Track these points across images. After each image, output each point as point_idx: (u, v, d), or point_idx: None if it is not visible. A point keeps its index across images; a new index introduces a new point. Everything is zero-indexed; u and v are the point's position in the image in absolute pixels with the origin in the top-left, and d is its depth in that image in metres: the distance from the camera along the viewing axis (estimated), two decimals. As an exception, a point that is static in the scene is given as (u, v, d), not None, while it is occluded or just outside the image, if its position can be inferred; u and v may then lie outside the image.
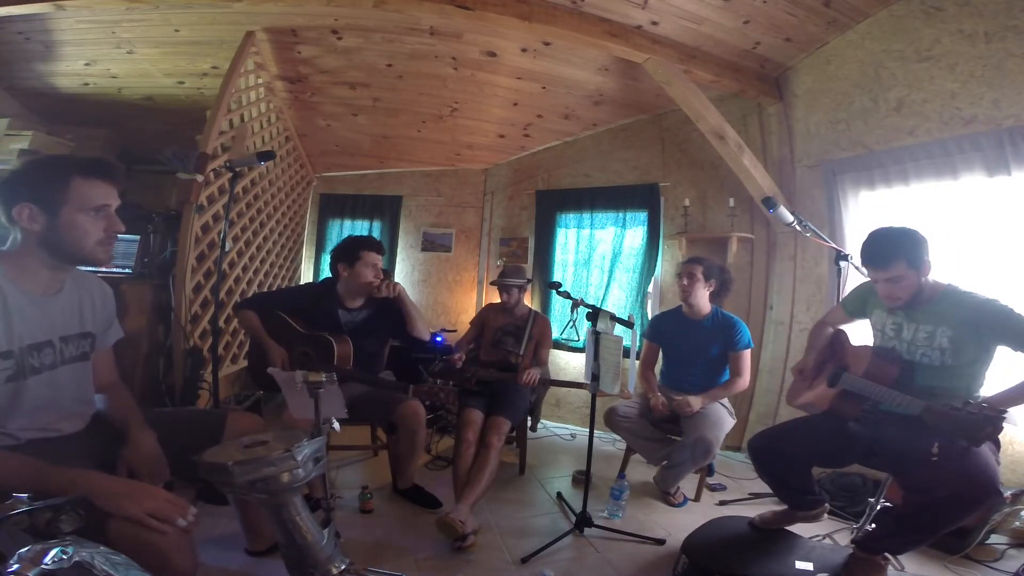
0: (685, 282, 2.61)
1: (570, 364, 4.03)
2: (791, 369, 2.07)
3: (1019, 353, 1.55)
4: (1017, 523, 2.05)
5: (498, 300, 3.05)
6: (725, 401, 2.58)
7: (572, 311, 3.75)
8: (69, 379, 1.29)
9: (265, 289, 3.73)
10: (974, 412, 1.35)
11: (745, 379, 2.57)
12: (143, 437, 1.34)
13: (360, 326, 2.40)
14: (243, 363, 3.29)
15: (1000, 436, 1.70)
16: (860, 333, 2.01)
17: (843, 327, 2.02)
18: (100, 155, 1.28)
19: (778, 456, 1.90)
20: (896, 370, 1.71)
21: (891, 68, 2.71)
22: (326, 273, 4.74)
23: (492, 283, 3.05)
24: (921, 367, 1.71)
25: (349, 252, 2.35)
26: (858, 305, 1.97)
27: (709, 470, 2.66)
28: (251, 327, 2.32)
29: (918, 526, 1.54)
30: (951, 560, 1.96)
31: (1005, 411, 1.36)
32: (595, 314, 2.11)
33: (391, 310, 2.38)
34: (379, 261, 2.36)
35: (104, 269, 2.77)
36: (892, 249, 1.65)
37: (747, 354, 2.57)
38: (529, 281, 3.16)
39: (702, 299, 2.62)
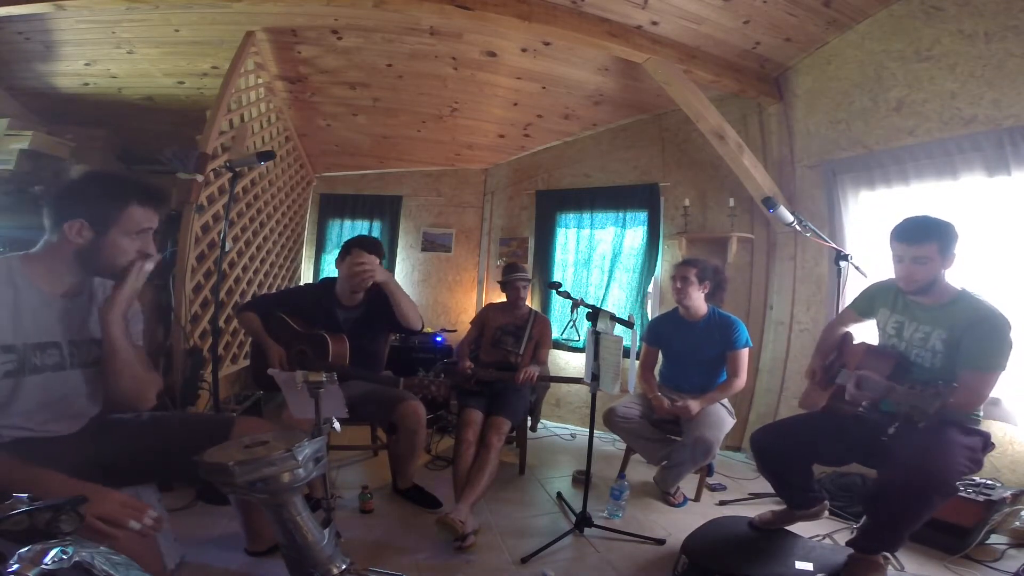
0: (678, 285, 2.60)
1: (570, 364, 4.03)
2: (804, 373, 2.08)
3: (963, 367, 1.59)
4: (1017, 523, 2.05)
5: (498, 300, 3.05)
6: (725, 401, 2.57)
7: (572, 311, 3.76)
8: (73, 384, 1.29)
9: (265, 289, 3.73)
10: (927, 389, 1.39)
11: (742, 379, 2.57)
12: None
13: (357, 323, 2.40)
14: (243, 363, 3.30)
15: (998, 436, 1.71)
16: (868, 334, 2.02)
17: (852, 328, 2.03)
18: (155, 183, 1.36)
19: (780, 452, 1.90)
20: (891, 365, 1.72)
21: (891, 68, 2.71)
22: (326, 273, 4.77)
23: (499, 281, 3.03)
24: (916, 366, 1.72)
25: (343, 250, 2.36)
26: (867, 305, 1.97)
27: (709, 470, 2.66)
28: (252, 328, 2.34)
29: (883, 521, 1.55)
30: (951, 560, 1.96)
31: (953, 384, 1.40)
32: (595, 314, 2.11)
33: (384, 303, 2.34)
34: (370, 260, 2.28)
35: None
36: (930, 229, 1.67)
37: (744, 353, 2.57)
38: (530, 279, 3.16)
39: (697, 301, 2.62)
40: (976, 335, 1.60)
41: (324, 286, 2.47)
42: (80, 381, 1.31)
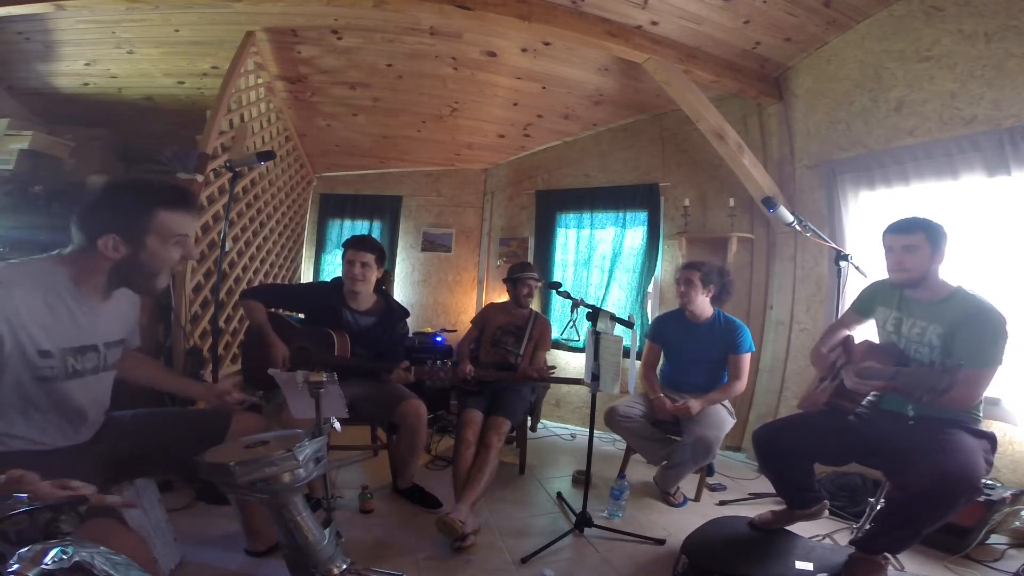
0: (683, 288, 2.60)
1: (570, 364, 4.02)
2: (798, 404, 2.09)
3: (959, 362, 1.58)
4: (1017, 523, 2.05)
5: (499, 300, 3.04)
6: (725, 401, 2.58)
7: (572, 311, 3.75)
8: (103, 386, 1.31)
9: (265, 289, 3.73)
10: (936, 367, 1.44)
11: (743, 382, 2.57)
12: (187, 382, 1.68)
13: (363, 331, 2.40)
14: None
15: (998, 436, 1.72)
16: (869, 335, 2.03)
17: (855, 330, 2.04)
18: (183, 186, 1.35)
19: (782, 450, 1.90)
20: (892, 361, 1.73)
21: (891, 68, 2.71)
22: (326, 273, 4.77)
23: (508, 279, 3.00)
24: (915, 362, 1.74)
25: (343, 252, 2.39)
26: (867, 304, 1.99)
27: (709, 470, 2.66)
28: (256, 319, 2.29)
29: (903, 523, 1.55)
30: (951, 560, 1.96)
31: (962, 364, 1.42)
32: (595, 314, 2.11)
33: (394, 331, 2.45)
34: (358, 257, 2.31)
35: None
36: (917, 222, 1.73)
37: (747, 357, 2.57)
38: (540, 279, 3.13)
39: (701, 305, 2.61)
40: (971, 331, 1.61)
41: (334, 284, 2.47)
42: (110, 382, 1.34)
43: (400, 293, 4.74)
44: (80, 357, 1.21)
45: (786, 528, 2.00)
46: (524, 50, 3.07)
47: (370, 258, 2.34)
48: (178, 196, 1.27)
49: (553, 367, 3.03)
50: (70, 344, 1.19)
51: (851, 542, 1.75)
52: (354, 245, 2.36)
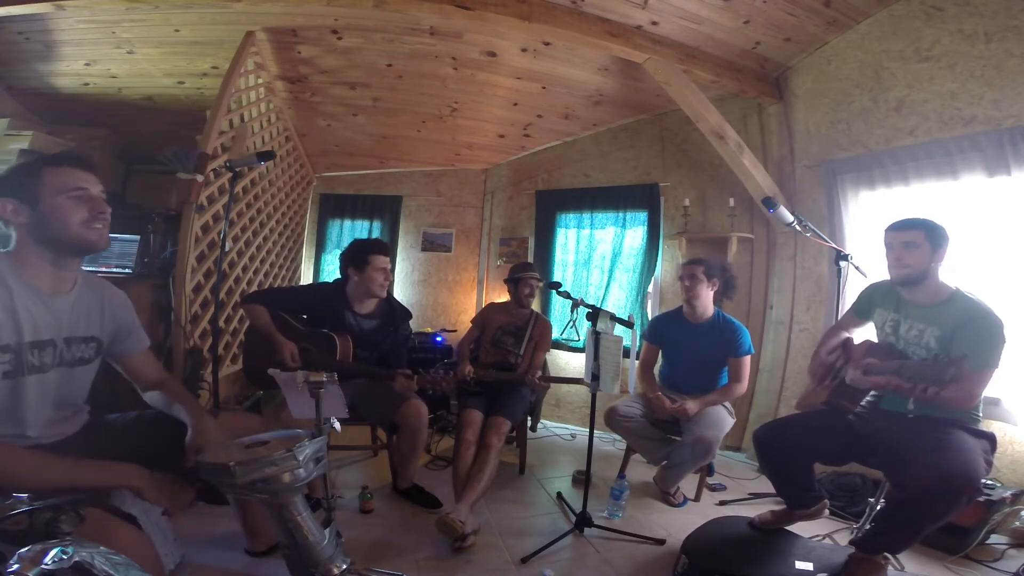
0: (687, 283, 2.59)
1: (570, 364, 4.03)
2: (797, 405, 2.09)
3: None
4: (1017, 523, 2.05)
5: (499, 300, 3.04)
6: (725, 401, 2.57)
7: (572, 311, 3.75)
8: (62, 382, 1.29)
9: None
10: (941, 359, 1.46)
11: (743, 385, 2.57)
12: (208, 425, 1.41)
13: (366, 334, 2.42)
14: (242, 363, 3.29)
15: (998, 436, 1.72)
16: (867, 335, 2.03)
17: (853, 332, 2.04)
18: (72, 150, 1.35)
19: (782, 449, 1.90)
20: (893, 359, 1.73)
21: (891, 68, 2.71)
22: (326, 273, 4.77)
23: (509, 279, 2.99)
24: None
25: (357, 257, 2.38)
26: (865, 306, 1.99)
27: (709, 470, 2.66)
28: (260, 321, 2.29)
29: (903, 523, 1.55)
30: (951, 560, 1.96)
31: (965, 355, 1.45)
32: (595, 314, 2.11)
33: (397, 331, 2.49)
34: (387, 264, 2.41)
35: (104, 269, 2.77)
36: (918, 220, 1.74)
37: (747, 360, 2.57)
38: (541, 279, 3.14)
39: (706, 300, 2.61)
40: (968, 333, 1.61)
41: (336, 287, 2.48)
42: (69, 379, 1.31)
43: (400, 293, 4.74)
44: (39, 352, 1.21)
45: (786, 528, 2.00)
46: (524, 50, 3.07)
47: (388, 261, 2.43)
48: (63, 155, 1.30)
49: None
50: (27, 339, 1.18)
51: (851, 542, 1.75)
52: (381, 250, 2.40)
